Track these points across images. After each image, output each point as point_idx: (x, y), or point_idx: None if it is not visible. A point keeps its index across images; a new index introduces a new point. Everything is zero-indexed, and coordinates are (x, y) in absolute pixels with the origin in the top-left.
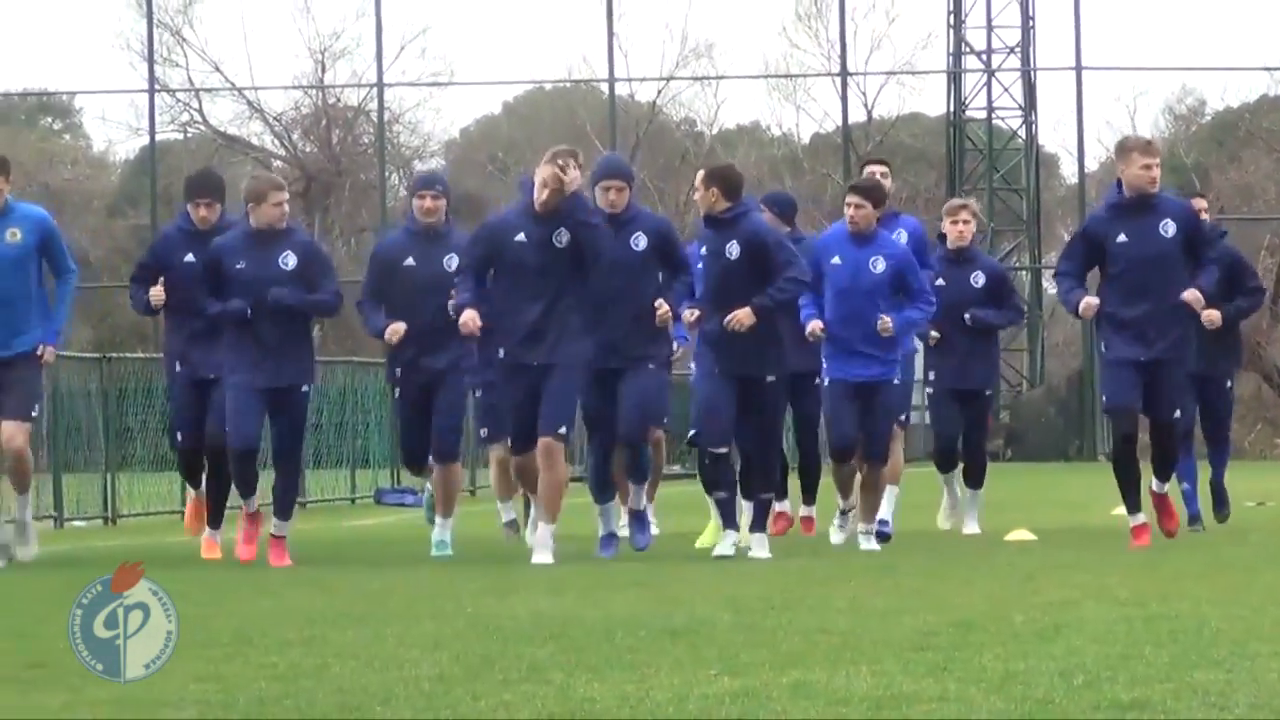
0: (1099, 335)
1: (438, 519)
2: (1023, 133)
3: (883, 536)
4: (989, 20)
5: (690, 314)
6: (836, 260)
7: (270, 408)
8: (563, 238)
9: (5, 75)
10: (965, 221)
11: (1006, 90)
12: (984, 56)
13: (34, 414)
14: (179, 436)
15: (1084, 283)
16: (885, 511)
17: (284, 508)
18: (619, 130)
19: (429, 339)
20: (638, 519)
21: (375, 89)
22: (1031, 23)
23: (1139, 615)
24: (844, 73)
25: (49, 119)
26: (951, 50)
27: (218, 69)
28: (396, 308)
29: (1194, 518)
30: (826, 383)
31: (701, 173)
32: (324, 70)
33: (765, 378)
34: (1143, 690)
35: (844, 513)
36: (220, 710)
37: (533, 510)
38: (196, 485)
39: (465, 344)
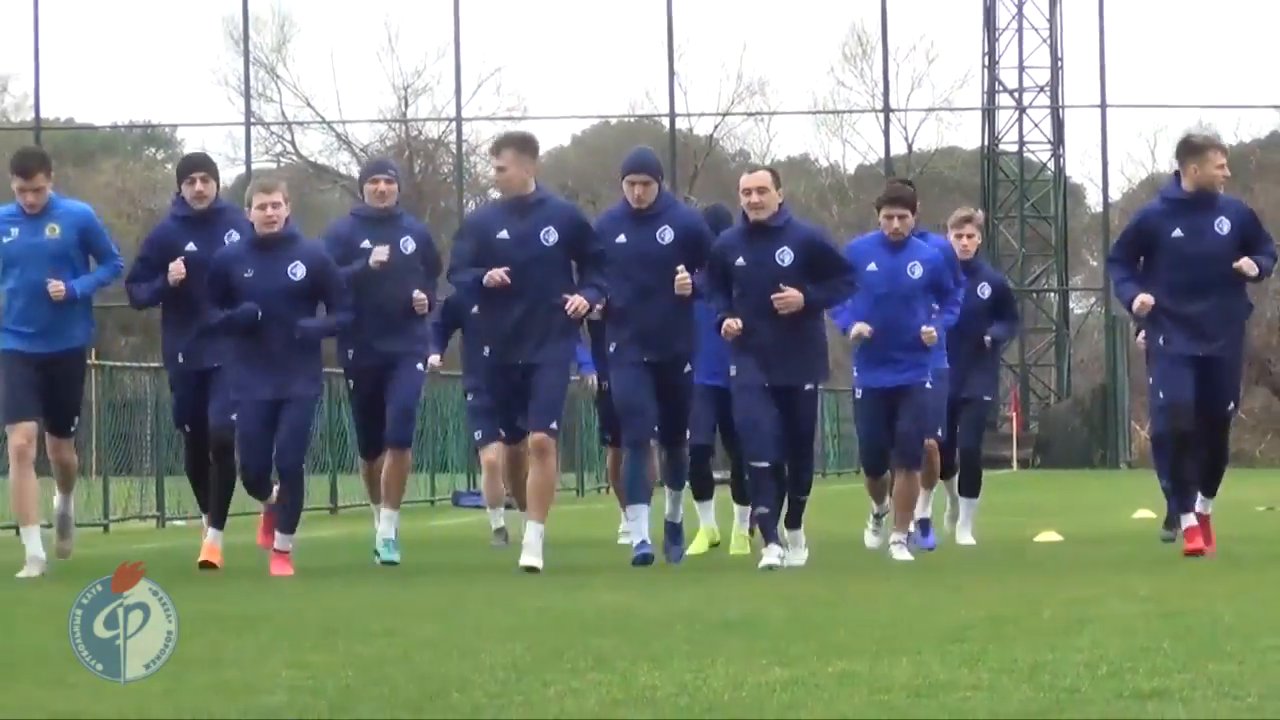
0: (1152, 330)
1: (384, 512)
2: (1051, 165)
3: (923, 537)
4: (1021, 61)
5: (734, 323)
6: (873, 267)
7: (277, 418)
8: (550, 236)
9: (114, 108)
10: (970, 235)
11: (1037, 126)
12: (1016, 94)
13: (73, 429)
14: (187, 429)
15: (1135, 272)
16: (924, 511)
17: (288, 523)
18: (678, 162)
19: (383, 323)
20: (674, 531)
21: (454, 122)
22: (1060, 63)
23: (1158, 611)
24: (886, 109)
25: (153, 149)
26: (986, 88)
27: (309, 103)
28: (352, 292)
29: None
30: (859, 393)
31: (766, 174)
32: (407, 105)
33: (804, 386)
34: (1162, 680)
35: (878, 516)
36: (309, 695)
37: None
38: (205, 493)
39: (420, 331)
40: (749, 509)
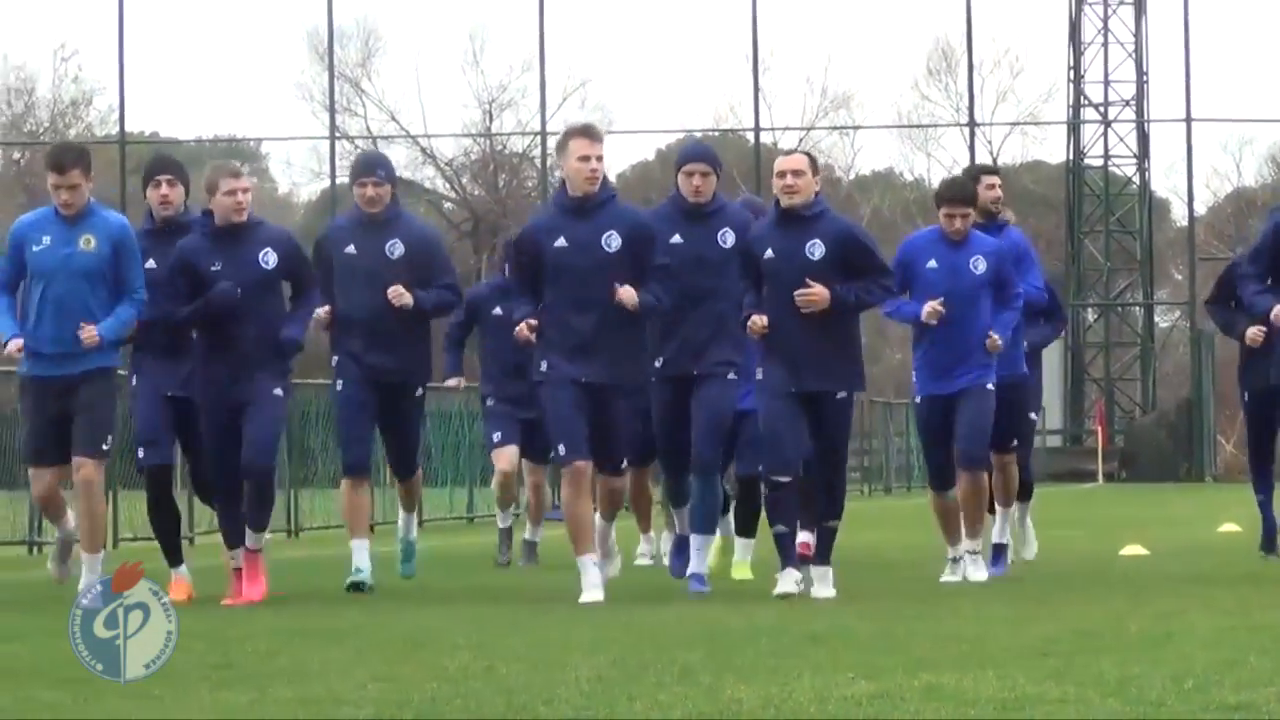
0: None
1: (404, 514)
2: (1136, 179)
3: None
4: (1106, 75)
5: (759, 320)
6: (933, 264)
7: (239, 423)
8: (613, 241)
9: (199, 123)
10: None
11: (1122, 140)
12: (1101, 108)
13: (105, 447)
14: (141, 454)
15: (1267, 283)
16: (999, 536)
17: (259, 521)
18: (762, 176)
19: (377, 333)
20: (679, 544)
21: (539, 136)
22: (1145, 77)
23: (1243, 625)
24: (971, 123)
25: (238, 163)
26: (1071, 102)
27: (394, 118)
28: (341, 298)
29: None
30: (919, 400)
31: (803, 156)
32: (491, 119)
33: (836, 393)
34: (1248, 694)
35: (955, 560)
36: (395, 708)
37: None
38: (165, 530)
39: (420, 345)
40: (747, 540)
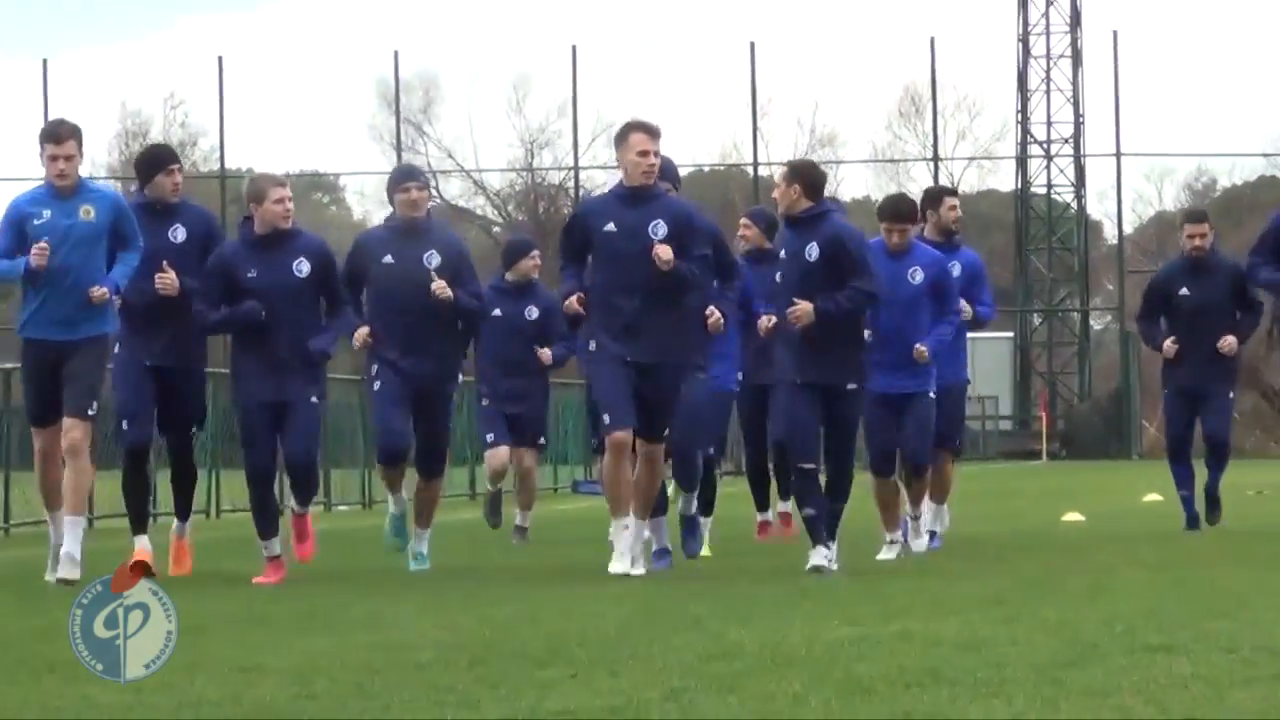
0: None
1: (418, 530)
2: (1074, 204)
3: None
4: (1048, 117)
5: (766, 320)
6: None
7: (280, 420)
8: (659, 229)
9: (287, 159)
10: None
11: (1062, 171)
12: (1044, 145)
13: (91, 412)
14: (124, 426)
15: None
16: (933, 524)
17: (302, 499)
18: (760, 203)
19: (413, 339)
20: (689, 525)
21: (572, 171)
22: (1082, 119)
23: (1165, 578)
24: (935, 158)
25: (319, 194)
26: (1019, 140)
27: (450, 155)
28: (378, 305)
29: (1192, 520)
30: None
31: (783, 169)
32: (532, 156)
33: (846, 385)
34: (1168, 636)
35: (891, 541)
36: (453, 651)
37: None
38: (140, 512)
39: (452, 349)
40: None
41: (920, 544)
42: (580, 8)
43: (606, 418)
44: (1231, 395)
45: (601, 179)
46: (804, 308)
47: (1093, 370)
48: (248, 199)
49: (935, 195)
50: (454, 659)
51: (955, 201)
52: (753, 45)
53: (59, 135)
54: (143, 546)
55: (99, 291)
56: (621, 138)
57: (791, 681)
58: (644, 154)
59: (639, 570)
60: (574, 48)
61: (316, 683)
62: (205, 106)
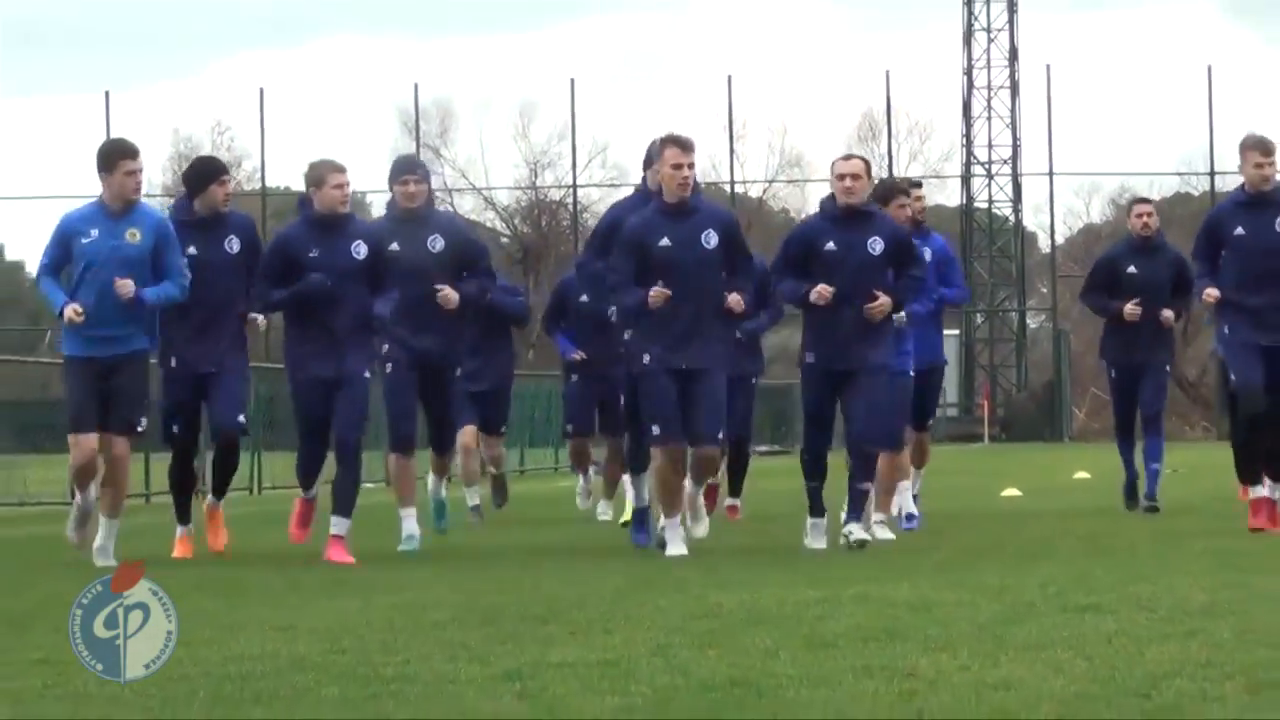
0: (1219, 320)
1: (440, 498)
2: (1012, 218)
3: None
4: (990, 140)
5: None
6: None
7: (332, 398)
8: (711, 239)
9: None
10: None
11: (1001, 189)
12: (986, 165)
13: (140, 429)
14: (175, 429)
15: (1214, 271)
16: (909, 506)
17: (345, 506)
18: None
19: (422, 320)
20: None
21: (571, 189)
22: (1019, 142)
23: (1092, 547)
24: (891, 177)
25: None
26: (964, 161)
27: (464, 175)
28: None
29: (1132, 483)
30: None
31: (860, 162)
32: (536, 175)
33: (878, 372)
34: (1096, 597)
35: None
36: (466, 612)
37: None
38: (187, 499)
39: (459, 330)
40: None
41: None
42: (578, 44)
43: (656, 429)
44: (1169, 368)
45: (597, 195)
46: (886, 301)
47: (1029, 364)
48: (307, 184)
49: (902, 188)
50: (466, 618)
51: (920, 192)
52: (730, 78)
53: (135, 151)
54: (185, 535)
55: (124, 283)
56: (656, 153)
57: (764, 637)
58: (678, 167)
59: (679, 549)
60: (572, 80)
61: (345, 640)
62: (248, 132)
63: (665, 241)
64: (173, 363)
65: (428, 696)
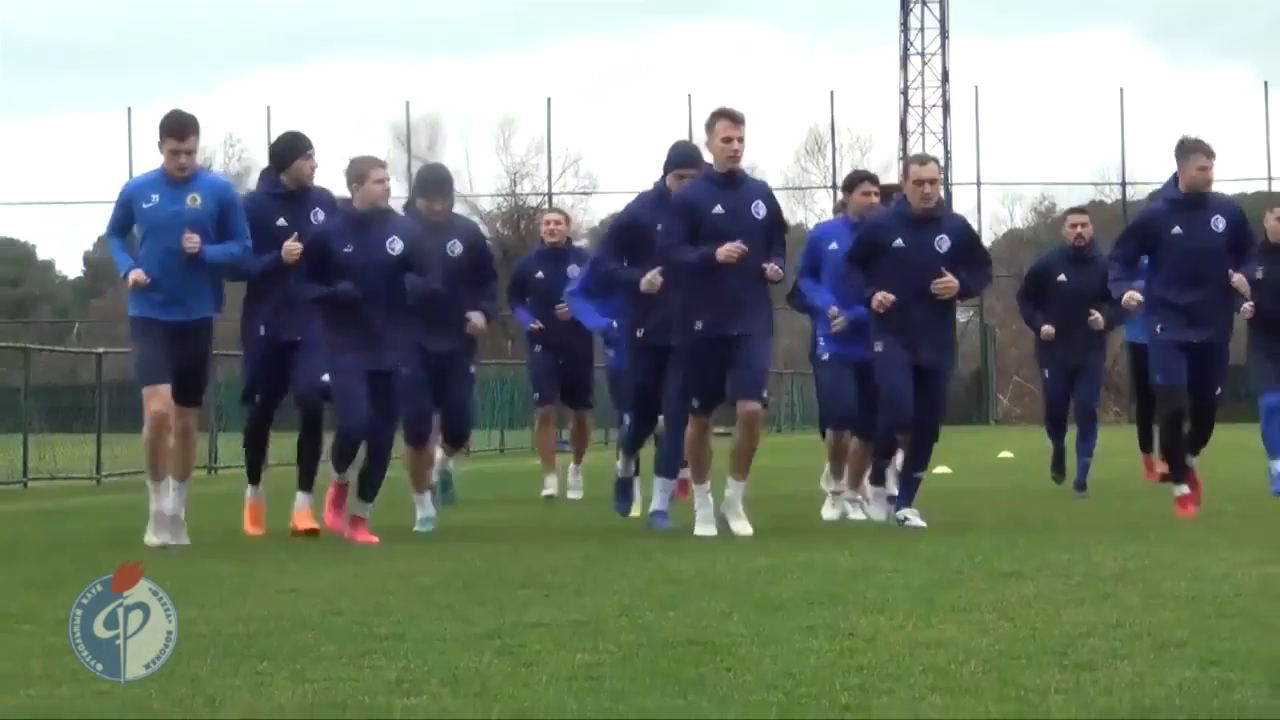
0: (1149, 319)
1: (441, 490)
2: None
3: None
4: (923, 150)
5: (886, 296)
6: (834, 246)
7: (369, 391)
8: (760, 209)
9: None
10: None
11: None
12: None
13: (204, 396)
14: (257, 398)
15: (1133, 270)
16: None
17: (370, 492)
18: None
19: (436, 320)
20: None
21: (547, 196)
22: (949, 155)
23: (1015, 519)
24: (834, 186)
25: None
26: (901, 172)
27: None
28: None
29: (1060, 456)
30: (827, 357)
31: (934, 166)
32: (515, 183)
33: (945, 368)
34: (1018, 565)
35: (835, 493)
36: (452, 576)
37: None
38: (258, 469)
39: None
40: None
41: (831, 513)
42: (554, 66)
43: (697, 401)
44: (1102, 366)
45: (571, 202)
46: (952, 281)
47: (959, 355)
48: (348, 179)
49: (865, 177)
50: (452, 583)
51: (875, 188)
52: (690, 96)
53: (181, 132)
54: (255, 498)
55: (191, 236)
56: (709, 126)
57: (719, 601)
58: (728, 140)
59: (744, 529)
60: (549, 99)
61: (342, 602)
62: (258, 145)
63: (719, 209)
64: (261, 330)
65: (416, 653)
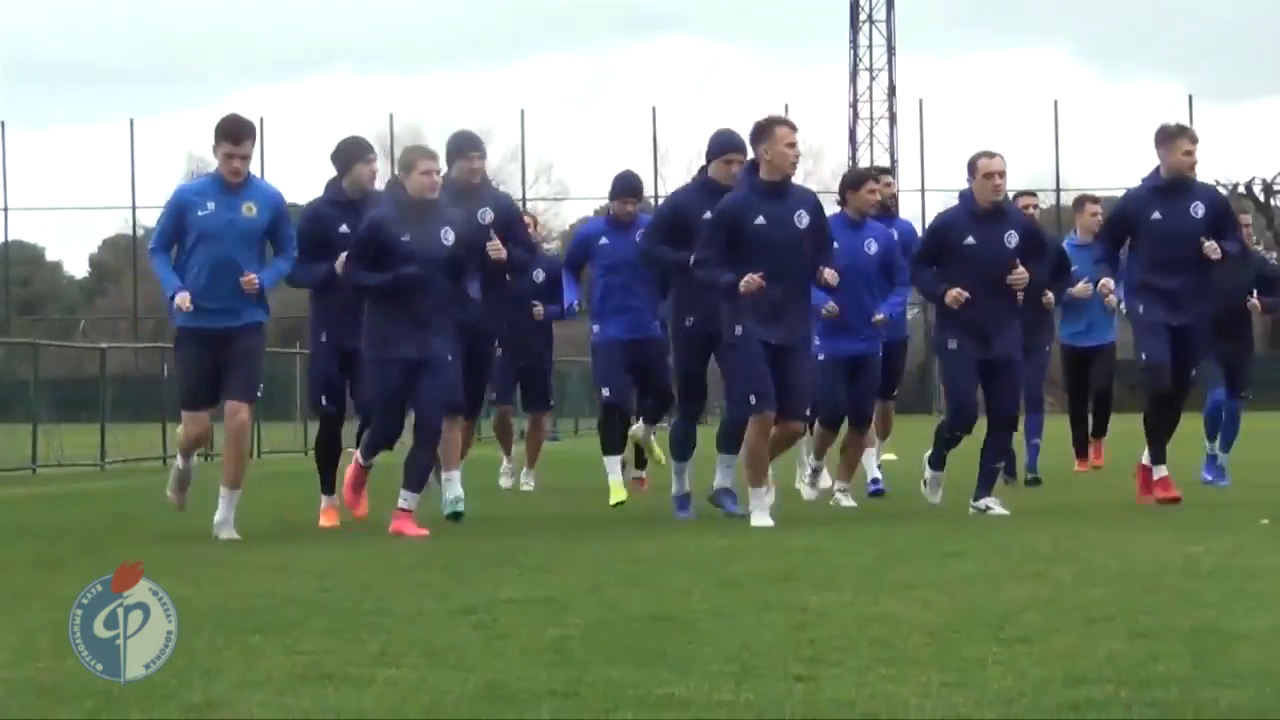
0: (1131, 300)
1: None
2: None
3: (876, 494)
4: (872, 162)
5: (960, 292)
6: (834, 244)
7: (415, 379)
8: (803, 219)
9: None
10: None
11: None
12: None
13: (258, 394)
14: (324, 401)
15: (1115, 257)
16: (873, 471)
17: (418, 481)
18: None
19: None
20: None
21: (521, 201)
22: (896, 163)
23: (957, 502)
24: (858, 166)
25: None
26: None
27: None
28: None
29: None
30: (821, 357)
31: (1001, 159)
32: None
33: (1018, 358)
34: (959, 545)
35: (815, 471)
36: (450, 556)
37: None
38: (331, 480)
39: (495, 307)
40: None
41: (810, 493)
42: (528, 80)
43: (753, 399)
44: (1048, 349)
45: (544, 207)
46: (1023, 274)
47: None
48: (399, 168)
49: (874, 175)
50: (431, 562)
51: (889, 179)
52: (654, 109)
53: (238, 135)
54: (329, 505)
55: (249, 278)
56: (766, 133)
57: (680, 578)
58: (791, 145)
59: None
60: (522, 110)
61: (329, 580)
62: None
63: (760, 220)
64: (323, 338)
65: (398, 627)
